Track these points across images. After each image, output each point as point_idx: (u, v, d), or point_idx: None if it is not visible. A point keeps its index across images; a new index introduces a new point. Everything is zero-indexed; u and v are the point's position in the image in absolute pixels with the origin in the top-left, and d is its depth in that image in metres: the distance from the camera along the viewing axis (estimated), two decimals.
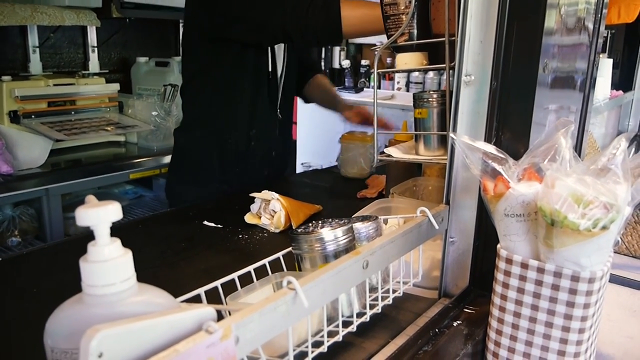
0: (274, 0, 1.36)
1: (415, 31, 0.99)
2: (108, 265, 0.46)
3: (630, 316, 1.01)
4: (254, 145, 1.61)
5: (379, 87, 3.86)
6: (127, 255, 0.47)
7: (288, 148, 1.83)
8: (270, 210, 1.26)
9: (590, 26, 1.02)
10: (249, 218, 1.28)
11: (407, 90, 3.75)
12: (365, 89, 3.80)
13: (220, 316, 0.51)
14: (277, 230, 1.24)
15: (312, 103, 1.95)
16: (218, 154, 1.60)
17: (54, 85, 2.31)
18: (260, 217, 1.26)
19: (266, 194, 1.27)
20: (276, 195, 1.25)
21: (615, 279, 1.11)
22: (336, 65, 4.03)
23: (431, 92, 1.00)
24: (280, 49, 1.61)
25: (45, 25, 2.26)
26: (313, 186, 1.68)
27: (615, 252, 1.34)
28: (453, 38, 0.88)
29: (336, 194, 1.61)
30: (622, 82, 2.74)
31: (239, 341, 0.47)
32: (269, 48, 1.54)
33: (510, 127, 0.83)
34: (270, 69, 1.56)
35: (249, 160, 1.63)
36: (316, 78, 1.89)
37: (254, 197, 1.29)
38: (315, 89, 1.88)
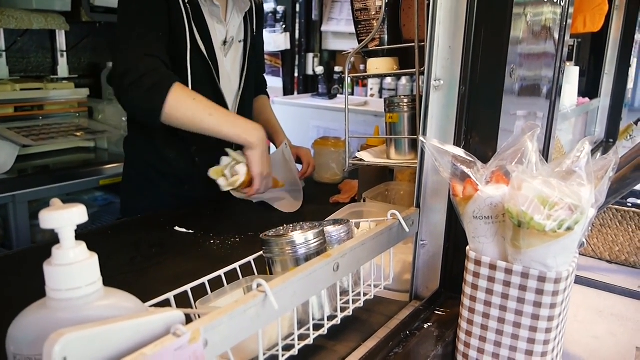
0: (122, 53, 1.30)
1: (386, 36, 1.01)
2: (73, 268, 0.45)
3: (596, 317, 1.03)
4: (199, 162, 1.49)
5: (352, 94, 3.88)
6: (92, 259, 0.47)
7: None
8: (235, 171, 1.29)
9: (556, 35, 1.05)
10: (212, 172, 1.32)
11: (380, 97, 3.78)
12: (338, 95, 3.81)
13: (189, 320, 0.51)
14: (228, 189, 1.32)
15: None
16: (164, 169, 1.52)
17: (21, 89, 2.26)
18: (224, 175, 1.31)
19: (239, 155, 1.29)
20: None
21: (581, 281, 1.14)
22: (310, 72, 4.04)
23: (402, 97, 1.02)
24: (235, 60, 1.56)
25: (12, 28, 2.21)
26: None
27: (581, 255, 1.37)
28: (423, 43, 0.90)
29: (309, 199, 1.61)
30: (588, 89, 2.81)
31: (208, 344, 0.47)
32: (213, 59, 1.45)
33: (478, 131, 0.84)
34: (218, 81, 1.48)
35: (198, 178, 1.47)
36: (259, 99, 1.81)
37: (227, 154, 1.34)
38: (257, 111, 1.78)
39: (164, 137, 1.46)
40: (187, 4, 1.37)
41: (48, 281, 0.45)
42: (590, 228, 1.35)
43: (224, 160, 1.34)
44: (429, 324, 0.84)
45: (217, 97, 1.47)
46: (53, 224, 0.44)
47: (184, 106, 1.26)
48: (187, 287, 0.68)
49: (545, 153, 1.15)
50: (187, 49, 1.37)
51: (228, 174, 1.33)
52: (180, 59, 1.38)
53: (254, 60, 1.63)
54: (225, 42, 1.51)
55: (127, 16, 1.34)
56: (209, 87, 1.46)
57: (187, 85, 1.37)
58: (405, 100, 1.02)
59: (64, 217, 0.44)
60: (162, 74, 1.28)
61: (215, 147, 1.40)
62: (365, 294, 0.80)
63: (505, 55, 0.80)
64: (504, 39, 0.80)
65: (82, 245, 0.46)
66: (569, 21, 1.12)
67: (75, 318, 0.45)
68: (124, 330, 0.43)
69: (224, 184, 1.33)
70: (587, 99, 2.56)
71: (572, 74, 2.36)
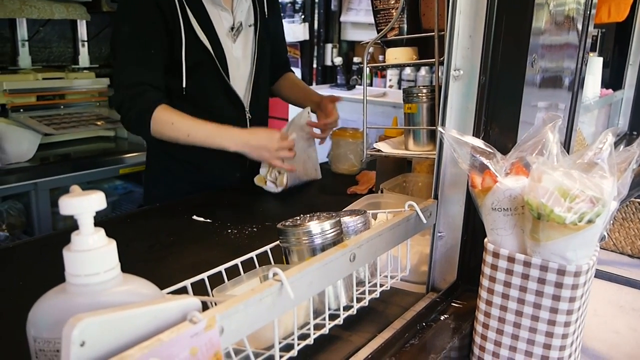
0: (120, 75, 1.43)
1: (405, 26, 1.00)
2: (92, 254, 0.46)
3: (616, 311, 1.02)
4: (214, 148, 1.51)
5: (370, 85, 3.86)
6: (111, 245, 0.47)
7: None
8: (275, 172, 1.46)
9: (579, 25, 1.03)
10: (257, 180, 1.50)
11: (399, 88, 3.75)
12: (357, 86, 3.80)
13: (206, 307, 0.51)
14: (281, 189, 1.46)
15: (280, 98, 1.89)
16: (180, 158, 1.56)
17: (43, 79, 2.29)
18: (266, 182, 1.47)
19: None
20: None
21: (602, 275, 1.12)
22: (328, 63, 4.03)
23: (421, 87, 1.01)
24: (247, 45, 1.57)
25: (34, 18, 2.24)
26: (303, 182, 1.68)
27: (602, 249, 1.35)
28: (442, 33, 0.89)
29: (326, 190, 1.61)
30: (612, 80, 2.75)
31: (224, 331, 0.47)
32: (217, 47, 1.48)
33: (498, 122, 0.83)
34: (222, 69, 1.49)
35: (214, 164, 1.55)
36: (288, 76, 1.85)
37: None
38: (288, 87, 1.84)
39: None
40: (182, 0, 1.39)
41: (67, 267, 0.46)
42: (612, 221, 1.33)
43: (263, 169, 1.51)
44: (446, 316, 0.84)
45: (224, 86, 1.50)
46: (72, 210, 0.45)
47: (165, 131, 1.38)
48: (204, 275, 0.69)
49: (566, 145, 1.13)
50: (182, 42, 1.41)
51: (271, 178, 1.49)
52: (177, 53, 1.41)
53: (267, 44, 1.63)
54: (232, 28, 1.52)
55: (120, 35, 1.42)
56: (214, 77, 1.48)
57: (182, 79, 1.43)
58: (424, 91, 1.01)
59: (83, 204, 0.45)
60: (144, 104, 1.37)
61: None
62: (381, 285, 0.80)
63: (527, 45, 0.79)
64: (526, 29, 0.79)
65: (101, 231, 0.47)
66: (593, 11, 1.09)
67: (93, 303, 0.45)
68: (142, 316, 0.43)
69: (275, 189, 1.49)
70: (610, 91, 2.50)
71: (595, 65, 2.31)
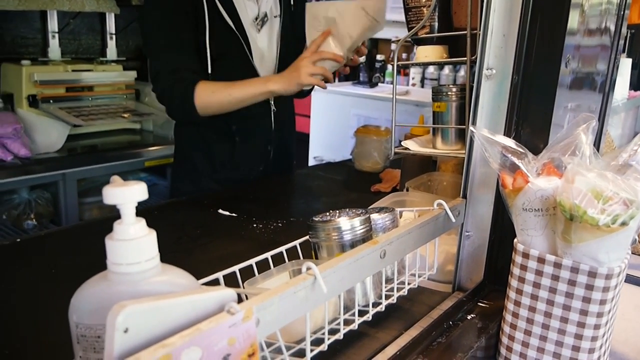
0: (159, 65, 1.45)
1: (436, 24, 1.00)
2: (133, 244, 0.47)
3: None
4: (239, 141, 1.57)
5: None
6: (151, 235, 0.48)
7: (290, 142, 1.76)
8: None
9: (612, 27, 1.02)
10: None
11: (422, 86, 3.74)
12: (379, 84, 3.79)
13: (238, 300, 0.52)
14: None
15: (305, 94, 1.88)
16: (204, 151, 1.58)
17: (73, 70, 2.33)
18: None
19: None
20: None
21: (631, 280, 1.11)
22: None
23: (450, 86, 1.00)
24: (272, 36, 1.57)
25: (65, 10, 2.27)
26: (326, 179, 1.69)
27: (633, 253, 1.34)
28: (475, 32, 0.88)
29: (350, 188, 1.62)
30: None
31: (260, 323, 0.48)
32: (247, 39, 1.49)
33: (530, 122, 0.83)
34: (253, 61, 1.52)
35: (239, 157, 1.59)
36: None
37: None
38: None
39: (207, 120, 1.49)
40: None
41: (109, 255, 0.47)
42: None
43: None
44: (472, 316, 0.84)
45: (251, 73, 1.51)
46: (116, 199, 0.46)
47: (209, 103, 1.41)
48: (236, 268, 0.70)
49: (596, 147, 1.12)
50: (205, 28, 1.43)
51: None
52: (202, 39, 1.44)
53: (294, 36, 1.62)
54: (257, 18, 1.52)
55: (151, 22, 1.45)
56: (239, 66, 1.50)
57: (207, 63, 1.46)
58: (454, 90, 1.00)
59: (126, 194, 0.46)
60: (185, 90, 1.40)
61: (254, 126, 1.58)
62: (408, 283, 0.80)
63: (562, 46, 0.78)
64: (562, 29, 0.78)
65: (142, 221, 0.48)
66: (627, 12, 1.08)
67: (133, 291, 0.47)
68: (181, 305, 0.44)
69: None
70: (638, 93, 2.47)
71: (624, 66, 2.28)
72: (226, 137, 1.56)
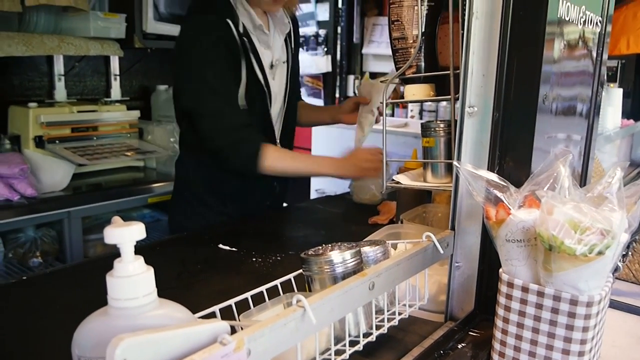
0: (216, 121, 1.48)
1: (422, 64, 1.04)
2: (132, 280, 0.50)
3: (635, 343, 1.02)
4: (247, 178, 1.60)
5: (392, 115, 3.91)
6: (149, 272, 0.52)
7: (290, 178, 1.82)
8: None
9: (594, 54, 1.06)
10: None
11: (421, 118, 3.80)
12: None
13: (234, 331, 0.55)
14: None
15: (305, 126, 1.98)
16: (215, 188, 1.62)
17: (78, 111, 2.39)
18: None
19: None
20: None
21: (620, 306, 1.12)
22: (350, 94, 4.10)
23: (438, 122, 1.05)
24: (281, 81, 1.64)
25: (71, 55, 2.35)
26: (326, 212, 1.72)
27: (622, 280, 1.35)
28: (458, 71, 0.93)
29: (348, 220, 1.65)
30: (634, 111, 2.76)
31: (251, 353, 0.51)
32: (264, 87, 1.55)
33: (512, 156, 0.87)
34: (270, 108, 1.58)
35: (248, 193, 1.64)
36: (300, 104, 1.90)
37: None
38: (304, 110, 1.90)
39: (213, 157, 1.54)
40: (243, 38, 1.46)
41: (110, 291, 0.50)
42: (630, 253, 1.33)
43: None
44: (463, 345, 0.86)
45: (266, 119, 1.56)
46: (116, 239, 0.50)
47: (274, 168, 1.49)
48: (232, 302, 0.73)
49: (583, 175, 1.15)
50: (241, 80, 1.48)
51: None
52: (236, 87, 1.48)
53: (294, 80, 1.70)
54: (272, 65, 1.59)
55: (205, 82, 1.45)
56: (260, 112, 1.56)
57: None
58: (442, 125, 1.05)
59: (125, 234, 0.50)
60: (251, 146, 1.47)
61: None
62: (400, 313, 0.83)
63: (538, 83, 0.83)
64: (537, 65, 0.83)
65: (140, 259, 0.51)
66: (607, 40, 1.12)
67: (132, 325, 0.50)
68: (176, 338, 0.47)
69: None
70: (631, 121, 2.51)
71: (615, 96, 2.33)
72: (233, 174, 1.60)
